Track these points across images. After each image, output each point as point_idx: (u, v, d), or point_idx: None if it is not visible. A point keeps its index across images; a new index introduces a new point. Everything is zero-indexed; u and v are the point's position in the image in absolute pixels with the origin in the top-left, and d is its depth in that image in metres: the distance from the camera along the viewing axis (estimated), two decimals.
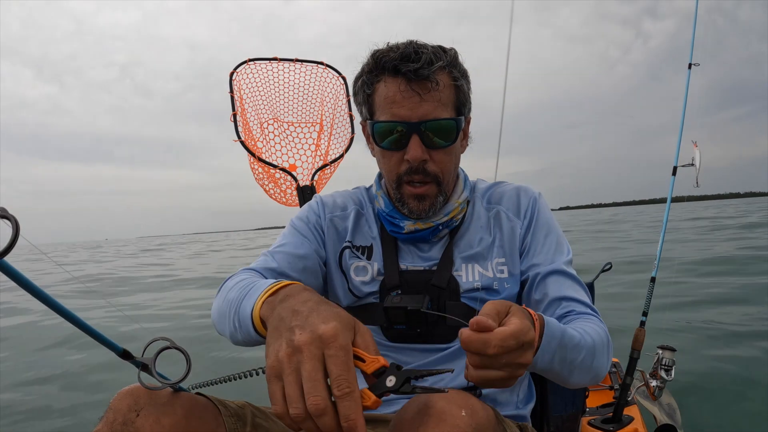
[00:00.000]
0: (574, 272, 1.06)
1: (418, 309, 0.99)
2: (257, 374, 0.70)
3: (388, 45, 1.02)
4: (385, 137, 1.02)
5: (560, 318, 0.99)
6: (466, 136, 1.13)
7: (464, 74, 1.04)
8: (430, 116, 0.98)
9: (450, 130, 1.01)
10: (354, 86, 1.09)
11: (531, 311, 0.78)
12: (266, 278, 0.98)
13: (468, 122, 1.11)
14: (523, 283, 1.09)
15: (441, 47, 1.02)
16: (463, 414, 0.70)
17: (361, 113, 1.10)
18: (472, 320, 0.66)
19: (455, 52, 1.03)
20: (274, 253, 1.10)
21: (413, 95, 0.97)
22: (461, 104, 1.04)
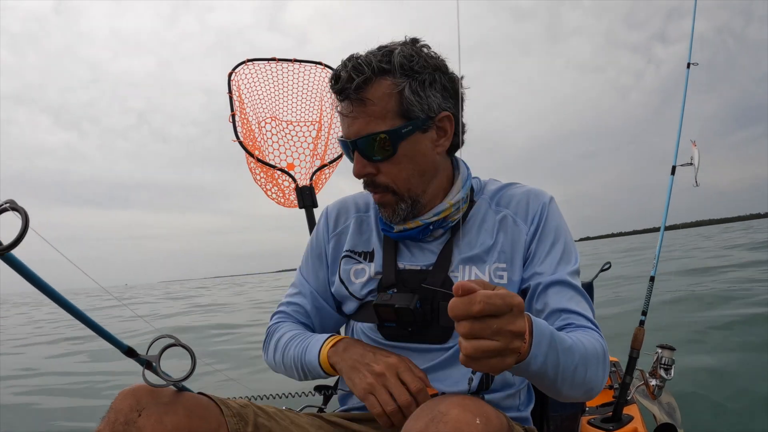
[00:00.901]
0: (578, 284, 1.03)
1: (405, 307, 1.00)
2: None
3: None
4: (344, 153, 1.08)
5: (558, 329, 0.94)
6: (445, 134, 1.05)
7: (413, 74, 0.99)
8: (361, 133, 0.99)
9: (383, 144, 0.99)
10: None
11: (528, 322, 0.76)
12: (306, 327, 1.23)
13: (444, 119, 1.03)
14: (524, 291, 1.05)
15: (384, 52, 0.98)
16: (478, 422, 0.70)
17: None
18: (455, 285, 0.64)
19: (403, 53, 0.98)
20: (298, 304, 1.23)
21: (344, 117, 1.01)
22: (406, 110, 0.98)
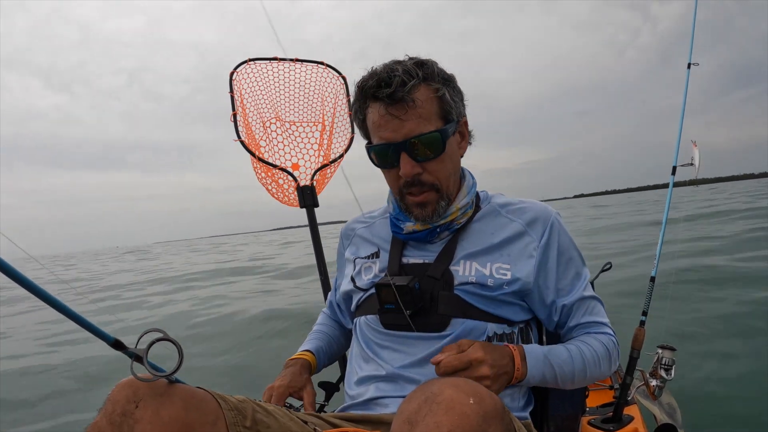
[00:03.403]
0: (591, 293, 1.20)
1: (405, 285, 1.08)
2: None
3: (370, 71, 1.08)
4: (380, 159, 1.11)
5: (583, 334, 1.17)
6: (464, 137, 1.18)
7: (447, 81, 1.10)
8: (414, 133, 1.05)
9: (436, 142, 1.07)
10: (351, 110, 1.17)
11: (510, 346, 1.06)
12: (332, 315, 1.51)
13: (464, 123, 1.16)
14: (526, 290, 1.14)
15: (418, 62, 1.07)
16: (471, 402, 0.71)
17: (362, 135, 1.19)
18: (432, 359, 0.97)
19: (433, 64, 1.09)
20: (331, 302, 1.51)
21: (393, 119, 1.04)
22: (446, 112, 1.09)
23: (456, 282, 1.12)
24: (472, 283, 1.11)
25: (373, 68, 1.08)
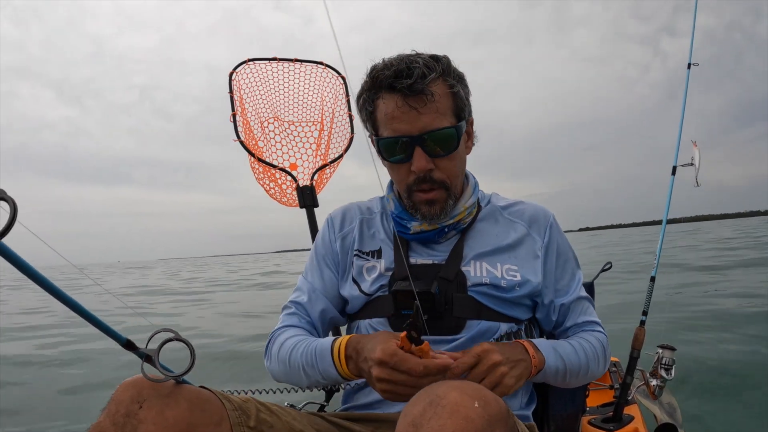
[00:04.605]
0: (584, 294, 1.22)
1: (426, 290, 1.05)
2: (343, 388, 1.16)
3: (383, 61, 1.05)
4: (390, 152, 1.07)
5: (579, 332, 1.19)
6: (470, 137, 1.16)
7: (459, 79, 1.08)
8: (430, 127, 1.02)
9: (451, 138, 1.05)
10: (357, 104, 1.12)
11: (519, 340, 1.07)
12: (308, 330, 1.21)
13: (471, 123, 1.15)
14: (540, 300, 1.18)
15: (434, 56, 1.04)
16: (476, 405, 0.70)
17: (366, 129, 1.14)
18: (439, 367, 0.90)
19: (448, 60, 1.06)
20: (301, 304, 1.23)
21: (410, 110, 1.01)
22: (460, 109, 1.07)
23: (469, 283, 1.11)
24: (486, 284, 1.10)
25: (387, 60, 1.04)
